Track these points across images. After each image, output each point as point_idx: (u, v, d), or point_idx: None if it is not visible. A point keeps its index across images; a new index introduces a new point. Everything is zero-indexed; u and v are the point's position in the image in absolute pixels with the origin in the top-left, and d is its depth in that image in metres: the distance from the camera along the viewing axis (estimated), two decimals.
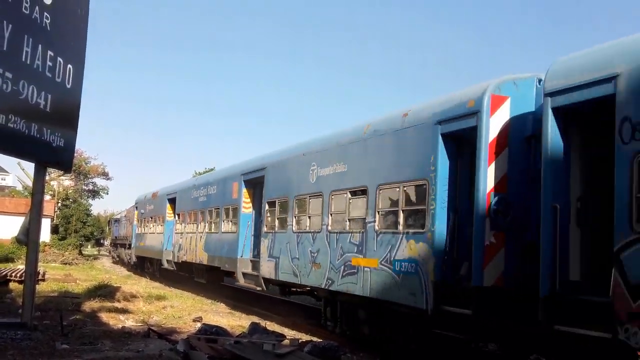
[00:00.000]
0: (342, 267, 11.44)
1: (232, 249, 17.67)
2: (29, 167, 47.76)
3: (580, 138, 7.53)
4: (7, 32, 8.79)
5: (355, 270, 10.97)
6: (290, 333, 12.83)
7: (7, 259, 34.29)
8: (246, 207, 17.42)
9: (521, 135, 8.41)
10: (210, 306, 17.91)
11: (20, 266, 26.11)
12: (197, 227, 21.68)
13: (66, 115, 10.98)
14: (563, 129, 7.29)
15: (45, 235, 41.14)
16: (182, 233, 23.81)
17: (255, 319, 14.18)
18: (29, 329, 10.33)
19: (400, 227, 9.91)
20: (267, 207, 15.40)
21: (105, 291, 18.30)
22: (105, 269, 36.80)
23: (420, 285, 9.14)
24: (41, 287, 18.18)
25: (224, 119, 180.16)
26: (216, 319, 14.32)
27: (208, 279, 21.27)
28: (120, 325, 12.37)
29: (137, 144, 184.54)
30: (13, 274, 20.87)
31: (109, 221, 64.50)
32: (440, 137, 9.17)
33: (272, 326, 13.35)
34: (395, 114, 10.96)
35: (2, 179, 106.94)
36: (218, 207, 19.67)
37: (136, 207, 34.36)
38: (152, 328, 11.75)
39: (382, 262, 10.18)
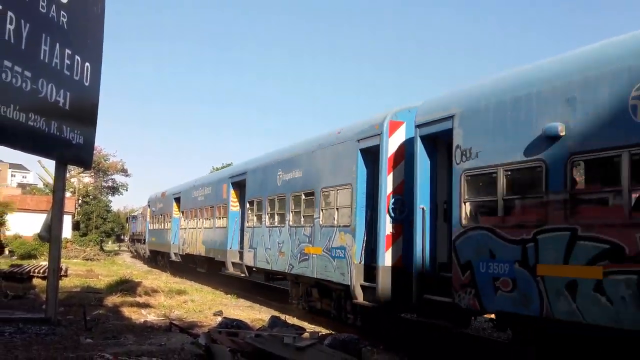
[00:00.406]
0: (299, 254, 14.20)
1: (223, 242, 20.58)
2: (50, 164, 48.36)
3: (444, 157, 9.98)
4: (25, 31, 8.89)
5: (307, 257, 13.75)
6: (310, 326, 12.86)
7: (30, 256, 34.77)
8: (234, 206, 20.24)
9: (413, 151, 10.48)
10: (230, 300, 18.04)
11: (43, 262, 26.50)
12: (197, 223, 24.70)
13: (85, 113, 11.09)
14: (429, 151, 10.07)
15: (66, 231, 41.64)
16: (185, 229, 26.82)
17: (275, 313, 14.24)
18: (53, 324, 10.49)
19: (335, 222, 12.67)
20: (247, 205, 18.30)
21: (126, 286, 18.51)
22: (126, 265, 37.20)
23: (347, 267, 11.94)
24: (64, 283, 18.43)
25: (243, 113, 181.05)
26: (236, 312, 14.41)
27: (208, 268, 24.05)
28: (142, 320, 12.50)
29: (156, 140, 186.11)
30: (36, 270, 21.16)
31: (127, 218, 65.86)
32: (359, 151, 11.90)
33: (291, 320, 13.40)
34: (333, 131, 13.70)
35: (23, 177, 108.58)
36: (212, 205, 22.54)
37: (149, 205, 37.60)
38: (174, 322, 11.86)
39: (324, 250, 12.95)
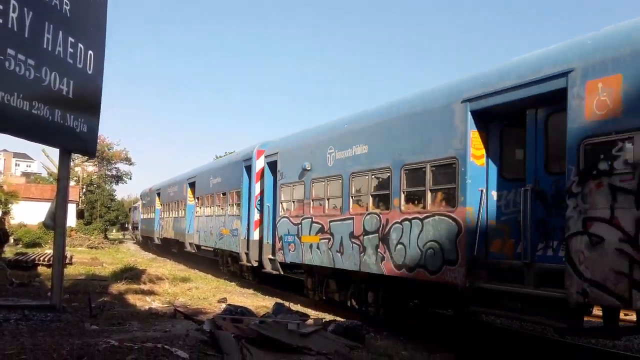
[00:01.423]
0: (218, 234, 21.59)
1: (183, 227, 28.31)
2: (54, 153, 48.48)
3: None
4: (28, 19, 8.86)
5: (223, 236, 21.09)
6: (313, 313, 12.93)
7: (35, 244, 34.97)
8: (190, 200, 27.65)
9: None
10: (234, 288, 18.14)
11: (48, 251, 26.67)
12: (171, 214, 32.58)
13: (88, 101, 11.08)
14: (272, 171, 16.89)
15: (71, 220, 41.83)
16: (163, 218, 35.30)
17: (279, 300, 14.32)
18: (58, 311, 10.56)
19: (234, 213, 19.91)
20: (196, 201, 26.18)
21: (131, 274, 18.61)
22: (130, 253, 37.38)
23: (238, 241, 19.09)
24: (69, 271, 18.54)
25: (246, 100, 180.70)
26: (240, 299, 14.49)
27: (178, 249, 31.31)
28: (147, 307, 12.58)
29: (159, 129, 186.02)
30: (41, 259, 21.33)
31: (129, 208, 67.06)
32: (244, 168, 18.82)
33: (295, 307, 13.48)
34: (235, 153, 24.09)
35: (27, 166, 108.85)
36: (178, 200, 30.60)
37: (141, 198, 47.21)
38: (179, 309, 11.93)
39: (230, 231, 20.01)
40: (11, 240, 35.98)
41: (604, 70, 7.08)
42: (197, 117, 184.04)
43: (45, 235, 35.46)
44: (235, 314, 10.21)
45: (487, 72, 9.41)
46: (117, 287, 15.65)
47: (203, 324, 9.25)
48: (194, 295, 15.36)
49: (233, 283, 19.30)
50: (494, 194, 9.06)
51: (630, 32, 7.13)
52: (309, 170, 14.08)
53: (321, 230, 13.35)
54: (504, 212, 8.95)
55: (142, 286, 16.28)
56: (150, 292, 15.18)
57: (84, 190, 62.68)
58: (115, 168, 70.63)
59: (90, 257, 27.89)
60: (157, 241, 36.84)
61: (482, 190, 9.02)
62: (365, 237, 11.57)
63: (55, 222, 11.30)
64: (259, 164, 17.56)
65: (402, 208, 10.56)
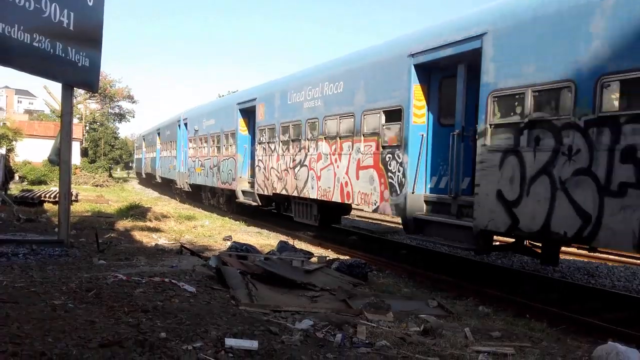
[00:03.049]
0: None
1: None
2: (56, 90, 48.01)
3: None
4: None
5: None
6: (317, 251, 13.08)
7: (40, 182, 35.14)
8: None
9: None
10: (239, 226, 18.29)
11: (54, 188, 26.82)
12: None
13: (90, 34, 10.84)
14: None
15: (75, 158, 41.89)
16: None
17: (284, 238, 14.46)
18: (66, 245, 10.70)
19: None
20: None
21: (137, 211, 18.77)
22: (135, 191, 37.63)
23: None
24: (75, 208, 18.69)
25: (248, 42, 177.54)
26: (245, 237, 14.63)
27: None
28: (153, 243, 12.73)
29: (162, 66, 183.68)
30: (47, 195, 21.44)
31: (134, 147, 67.62)
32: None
33: (300, 245, 13.62)
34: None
35: (29, 103, 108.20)
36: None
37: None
38: (185, 245, 12.07)
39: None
40: (16, 177, 36.21)
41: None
42: (201, 56, 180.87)
43: (51, 173, 35.58)
44: (241, 251, 10.30)
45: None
46: (123, 224, 15.80)
47: (209, 260, 9.35)
48: (200, 232, 15.51)
49: (238, 222, 19.47)
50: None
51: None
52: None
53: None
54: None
55: (148, 223, 16.43)
56: (156, 229, 15.33)
57: (87, 128, 62.49)
58: (118, 106, 70.14)
59: (95, 194, 28.07)
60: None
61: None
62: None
63: (60, 157, 11.29)
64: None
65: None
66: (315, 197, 14.14)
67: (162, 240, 13.49)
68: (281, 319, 6.16)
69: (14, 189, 27.27)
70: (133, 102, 70.30)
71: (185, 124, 27.86)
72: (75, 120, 49.77)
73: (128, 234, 14.00)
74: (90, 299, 6.28)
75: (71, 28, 9.89)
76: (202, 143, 24.72)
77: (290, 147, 15.52)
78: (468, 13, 9.74)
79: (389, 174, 11.08)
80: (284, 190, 15.93)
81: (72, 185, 20.40)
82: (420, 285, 10.18)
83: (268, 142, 17.07)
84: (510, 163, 8.06)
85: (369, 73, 11.88)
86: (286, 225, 17.92)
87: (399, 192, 10.81)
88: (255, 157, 18.05)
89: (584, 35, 7.06)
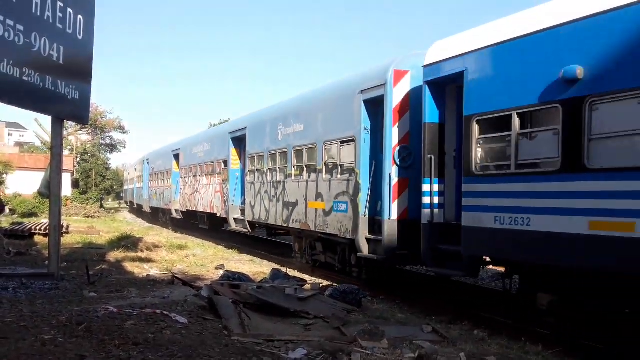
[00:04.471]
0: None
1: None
2: (46, 122, 48.04)
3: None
4: None
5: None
6: (310, 278, 13.01)
7: (31, 214, 34.92)
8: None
9: None
10: (231, 254, 18.20)
11: (44, 220, 26.62)
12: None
13: (79, 67, 10.91)
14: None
15: (66, 189, 41.72)
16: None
17: (276, 266, 14.39)
18: (56, 279, 10.59)
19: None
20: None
21: (128, 242, 18.61)
22: (126, 221, 37.43)
23: None
24: (65, 240, 18.54)
25: (241, 67, 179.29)
26: (238, 266, 14.55)
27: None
28: (144, 274, 12.62)
29: (152, 97, 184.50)
30: (37, 228, 21.26)
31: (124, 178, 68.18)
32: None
33: (293, 272, 13.55)
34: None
35: (20, 136, 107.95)
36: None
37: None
38: (176, 276, 11.98)
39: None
40: (7, 210, 35.96)
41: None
42: (190, 84, 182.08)
43: (41, 205, 35.39)
44: (233, 280, 10.25)
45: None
46: (114, 255, 15.67)
47: (201, 290, 9.29)
48: (192, 262, 15.40)
49: (230, 250, 19.37)
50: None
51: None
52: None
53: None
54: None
55: (140, 254, 16.29)
56: (148, 260, 15.21)
57: (78, 159, 62.39)
58: (109, 137, 70.21)
59: (86, 226, 27.88)
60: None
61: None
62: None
63: (50, 190, 11.24)
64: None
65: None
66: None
67: (153, 270, 13.39)
68: (274, 349, 6.11)
69: (4, 221, 27.07)
70: (124, 133, 70.49)
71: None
72: (66, 152, 49.73)
73: (119, 265, 13.88)
74: (81, 333, 6.21)
75: (61, 62, 9.95)
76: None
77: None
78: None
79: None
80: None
81: (63, 217, 20.27)
82: (414, 311, 10.13)
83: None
84: None
85: None
86: (278, 252, 17.85)
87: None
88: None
89: None
